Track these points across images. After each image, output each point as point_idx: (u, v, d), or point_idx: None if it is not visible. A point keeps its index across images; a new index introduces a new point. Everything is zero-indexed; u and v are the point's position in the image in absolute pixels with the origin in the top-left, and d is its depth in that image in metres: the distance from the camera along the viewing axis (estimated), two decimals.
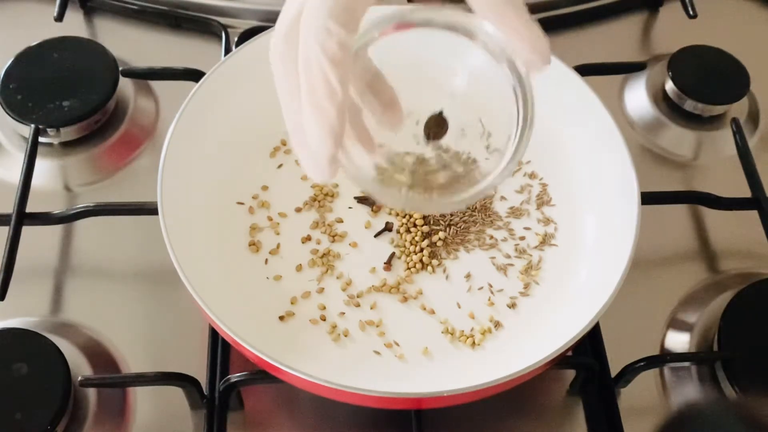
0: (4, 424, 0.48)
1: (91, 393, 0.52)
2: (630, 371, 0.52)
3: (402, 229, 0.57)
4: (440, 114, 0.45)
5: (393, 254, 0.56)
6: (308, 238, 0.57)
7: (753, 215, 0.60)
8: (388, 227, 0.57)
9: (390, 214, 0.58)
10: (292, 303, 0.54)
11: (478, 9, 0.39)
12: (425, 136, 0.45)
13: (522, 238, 0.57)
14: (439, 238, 0.56)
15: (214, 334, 0.54)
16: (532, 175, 0.60)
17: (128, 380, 0.53)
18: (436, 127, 0.45)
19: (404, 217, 0.57)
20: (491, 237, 0.57)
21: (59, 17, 0.68)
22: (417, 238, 0.56)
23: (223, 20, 0.70)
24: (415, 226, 0.57)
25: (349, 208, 0.58)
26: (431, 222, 0.57)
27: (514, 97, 0.41)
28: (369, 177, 0.43)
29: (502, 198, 0.59)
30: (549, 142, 0.59)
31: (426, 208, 0.53)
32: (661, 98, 0.68)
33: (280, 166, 0.59)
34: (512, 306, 0.54)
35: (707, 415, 0.54)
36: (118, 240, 0.59)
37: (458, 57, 0.42)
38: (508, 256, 0.56)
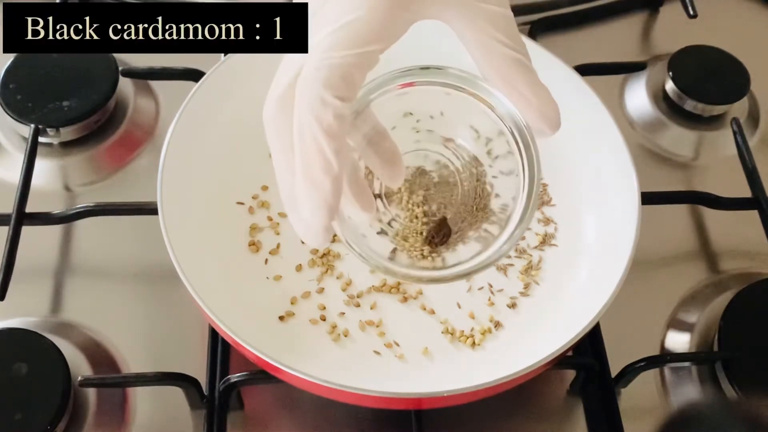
0: (4, 424, 0.48)
1: (91, 393, 0.52)
2: (630, 371, 0.52)
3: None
4: (444, 219, 0.45)
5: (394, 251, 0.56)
6: None
7: (753, 215, 0.60)
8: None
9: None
10: (292, 303, 0.54)
11: (485, 73, 0.38)
12: (430, 242, 0.44)
13: (522, 238, 0.57)
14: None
15: (214, 334, 0.54)
16: None
17: (128, 380, 0.53)
18: (440, 234, 0.44)
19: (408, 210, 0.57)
20: None
21: None
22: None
23: None
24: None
25: None
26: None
27: (519, 162, 0.40)
28: (364, 243, 0.42)
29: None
30: (549, 142, 0.58)
31: (418, 278, 0.46)
32: (661, 98, 0.68)
33: None
34: (512, 306, 0.54)
35: (707, 415, 0.54)
36: (118, 240, 0.59)
37: (462, 114, 0.42)
38: (508, 256, 0.56)
